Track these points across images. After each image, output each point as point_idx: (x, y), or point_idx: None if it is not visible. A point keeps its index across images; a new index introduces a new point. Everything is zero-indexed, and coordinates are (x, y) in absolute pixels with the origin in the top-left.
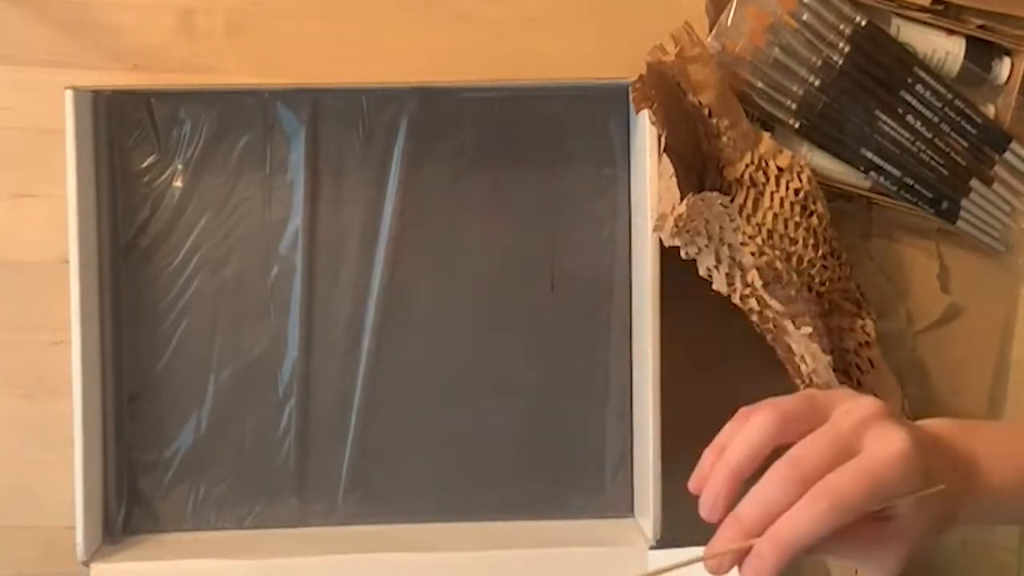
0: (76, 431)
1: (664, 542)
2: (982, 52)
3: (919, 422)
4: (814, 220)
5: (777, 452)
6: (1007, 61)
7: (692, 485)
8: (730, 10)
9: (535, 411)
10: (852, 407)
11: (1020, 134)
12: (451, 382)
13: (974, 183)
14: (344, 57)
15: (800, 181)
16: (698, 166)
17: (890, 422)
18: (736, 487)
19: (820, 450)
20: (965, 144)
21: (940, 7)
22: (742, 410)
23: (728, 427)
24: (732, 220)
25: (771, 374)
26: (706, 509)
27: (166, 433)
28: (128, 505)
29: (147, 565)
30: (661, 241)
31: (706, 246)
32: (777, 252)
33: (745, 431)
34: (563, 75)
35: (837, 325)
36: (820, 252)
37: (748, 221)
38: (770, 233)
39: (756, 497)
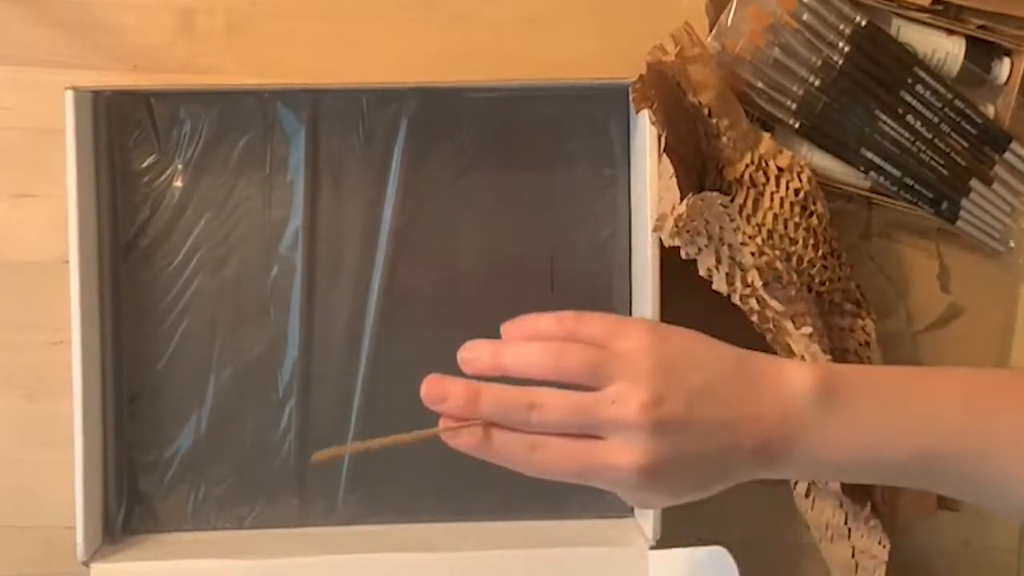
0: (76, 431)
1: (664, 542)
2: (982, 52)
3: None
4: (814, 220)
5: None
6: (1007, 61)
7: (472, 348)
8: (730, 10)
9: None
10: (624, 397)
11: (1020, 134)
12: None
13: (974, 183)
14: (344, 57)
15: (800, 181)
16: (698, 166)
17: (643, 436)
18: (494, 375)
19: (564, 413)
20: (965, 144)
21: (940, 7)
22: (569, 317)
23: (540, 324)
24: (732, 220)
25: None
26: (465, 366)
27: (166, 433)
28: (128, 505)
29: (147, 565)
30: (661, 241)
31: (706, 246)
32: (777, 252)
33: (528, 356)
34: (563, 75)
35: (837, 325)
36: (820, 252)
37: (748, 221)
38: (770, 233)
39: (496, 396)
